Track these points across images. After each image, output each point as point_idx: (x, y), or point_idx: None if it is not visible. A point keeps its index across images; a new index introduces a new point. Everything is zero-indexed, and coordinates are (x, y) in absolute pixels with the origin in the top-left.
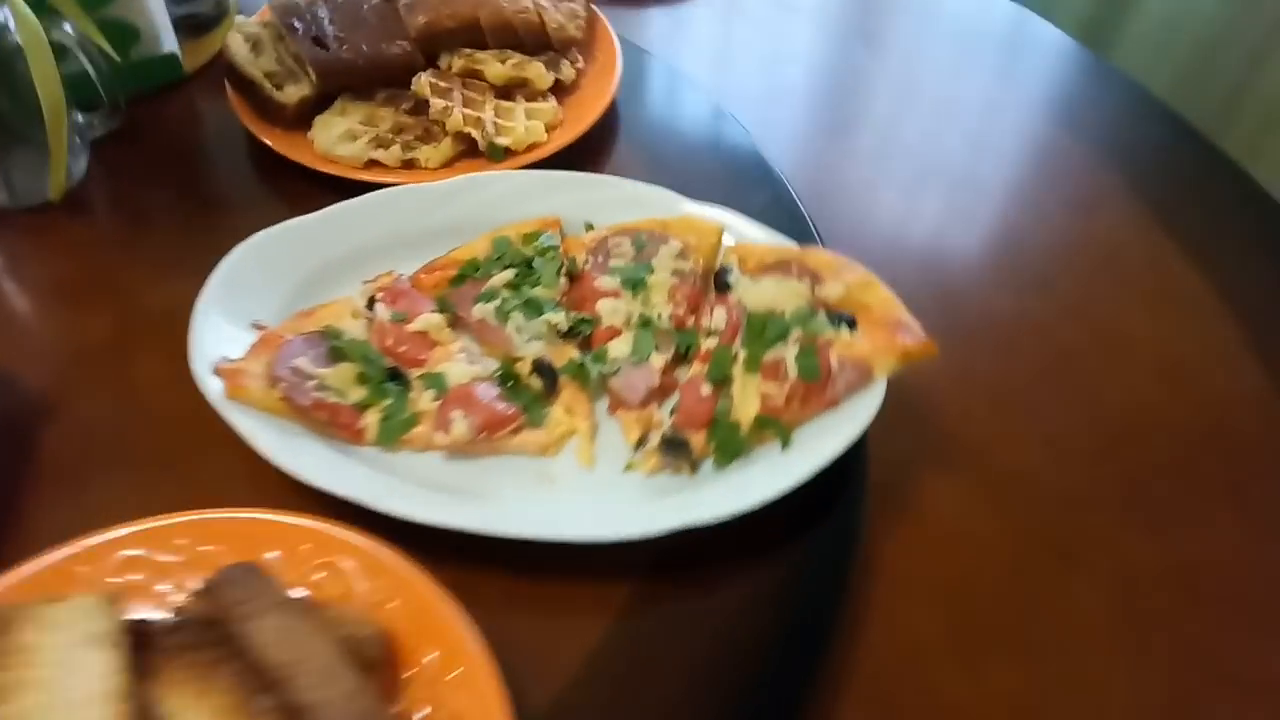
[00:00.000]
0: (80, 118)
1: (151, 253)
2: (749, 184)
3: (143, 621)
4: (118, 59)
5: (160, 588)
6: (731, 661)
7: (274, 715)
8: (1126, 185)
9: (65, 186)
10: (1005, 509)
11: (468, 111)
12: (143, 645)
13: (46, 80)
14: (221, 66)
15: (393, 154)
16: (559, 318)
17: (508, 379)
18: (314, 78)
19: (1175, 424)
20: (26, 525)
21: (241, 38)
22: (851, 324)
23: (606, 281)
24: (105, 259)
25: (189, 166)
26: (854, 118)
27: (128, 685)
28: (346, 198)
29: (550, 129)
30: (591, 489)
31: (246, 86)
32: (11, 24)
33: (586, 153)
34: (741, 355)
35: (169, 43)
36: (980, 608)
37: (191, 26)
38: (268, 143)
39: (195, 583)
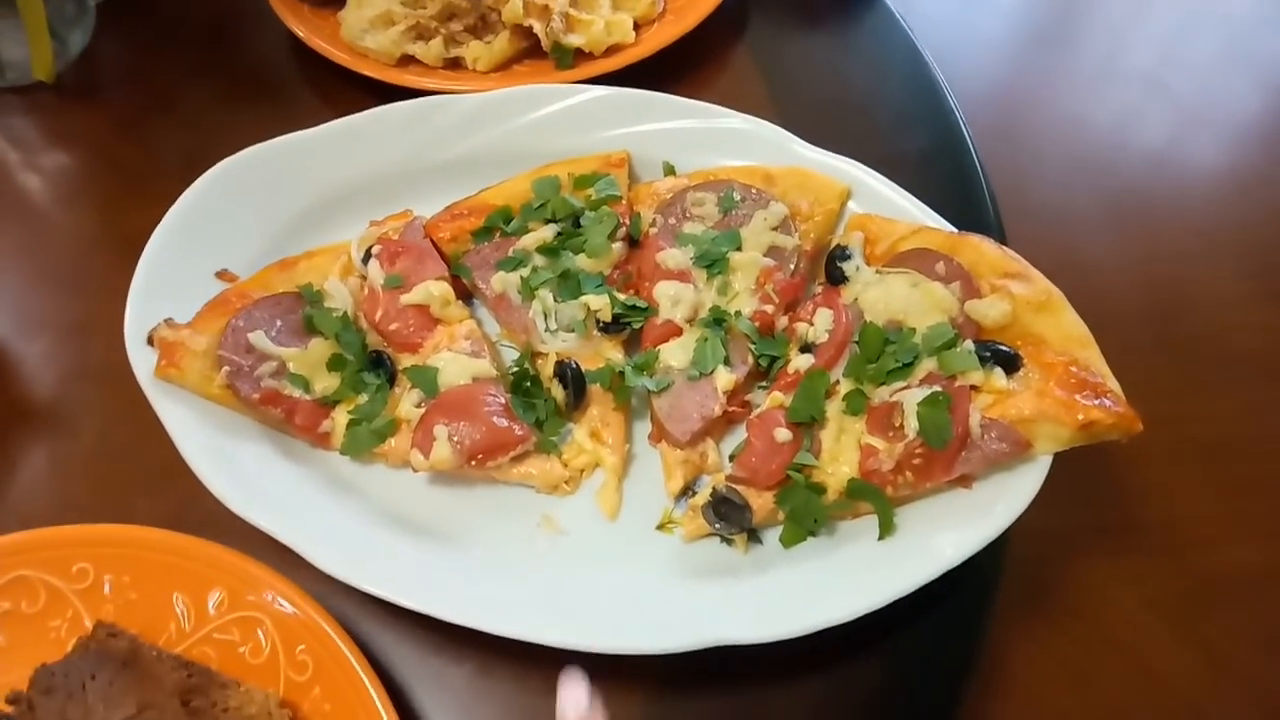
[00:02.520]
0: None
1: (143, 154)
2: (907, 121)
3: None
4: None
5: (52, 623)
6: None
7: None
8: None
9: (56, 65)
10: (1194, 628)
11: None
12: None
13: None
14: None
15: (433, 49)
16: (602, 302)
17: (522, 381)
18: None
19: None
20: None
21: None
22: (1011, 364)
23: (674, 256)
24: (99, 159)
25: (209, 44)
26: (1071, 25)
27: None
28: (383, 101)
29: (642, 26)
30: (609, 553)
31: None
32: None
33: (687, 66)
34: (844, 388)
35: None
36: None
37: None
38: (289, 25)
39: (88, 620)
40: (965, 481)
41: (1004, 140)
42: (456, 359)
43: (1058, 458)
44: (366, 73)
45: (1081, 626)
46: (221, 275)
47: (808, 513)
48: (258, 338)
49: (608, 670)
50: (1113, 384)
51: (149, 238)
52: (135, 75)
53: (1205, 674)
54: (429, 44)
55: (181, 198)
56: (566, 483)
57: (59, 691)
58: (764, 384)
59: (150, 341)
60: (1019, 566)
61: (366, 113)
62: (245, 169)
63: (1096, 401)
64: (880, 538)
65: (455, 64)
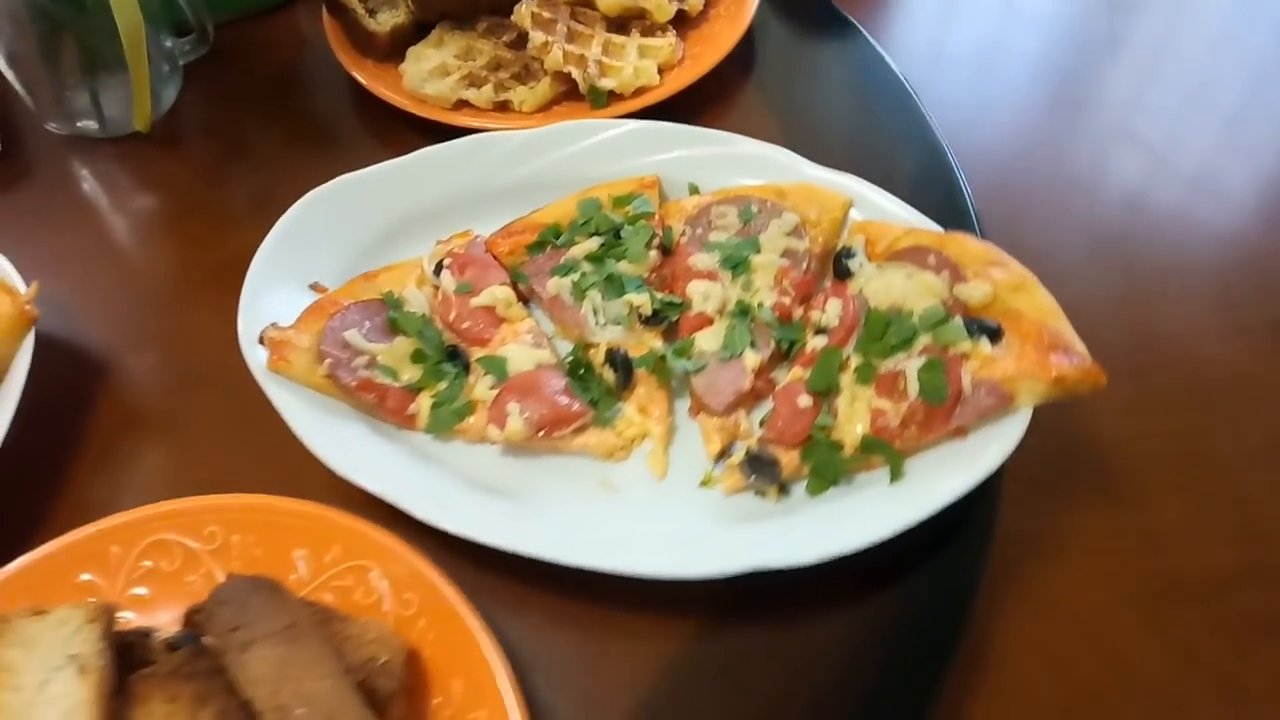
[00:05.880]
0: (169, 42)
1: (231, 193)
2: (896, 142)
3: (139, 632)
4: None
5: (189, 578)
6: (809, 705)
7: None
8: None
9: (152, 117)
10: (1166, 625)
11: (570, 48)
12: (131, 664)
13: (122, 3)
14: None
15: (484, 94)
16: (643, 299)
17: (578, 368)
18: (411, 3)
19: None
20: (67, 496)
21: None
22: (995, 335)
23: (703, 260)
24: (185, 199)
25: (280, 97)
26: (1061, 81)
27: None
28: (437, 141)
29: (665, 70)
30: (659, 505)
31: (342, 12)
32: None
33: (705, 102)
34: (854, 362)
35: None
36: None
37: None
38: (356, 76)
39: (220, 574)
40: (961, 433)
41: (995, 187)
42: (521, 349)
43: (1040, 473)
44: (428, 116)
45: (1060, 620)
46: (314, 287)
47: (829, 466)
48: (352, 335)
49: (655, 604)
50: (1080, 346)
51: (235, 264)
52: (215, 126)
53: (1172, 663)
54: (480, 90)
55: (278, 223)
56: (620, 450)
57: (231, 604)
58: (785, 364)
59: (261, 341)
60: (1003, 565)
61: (433, 148)
62: (331, 198)
63: (1066, 359)
64: (891, 482)
65: (503, 106)
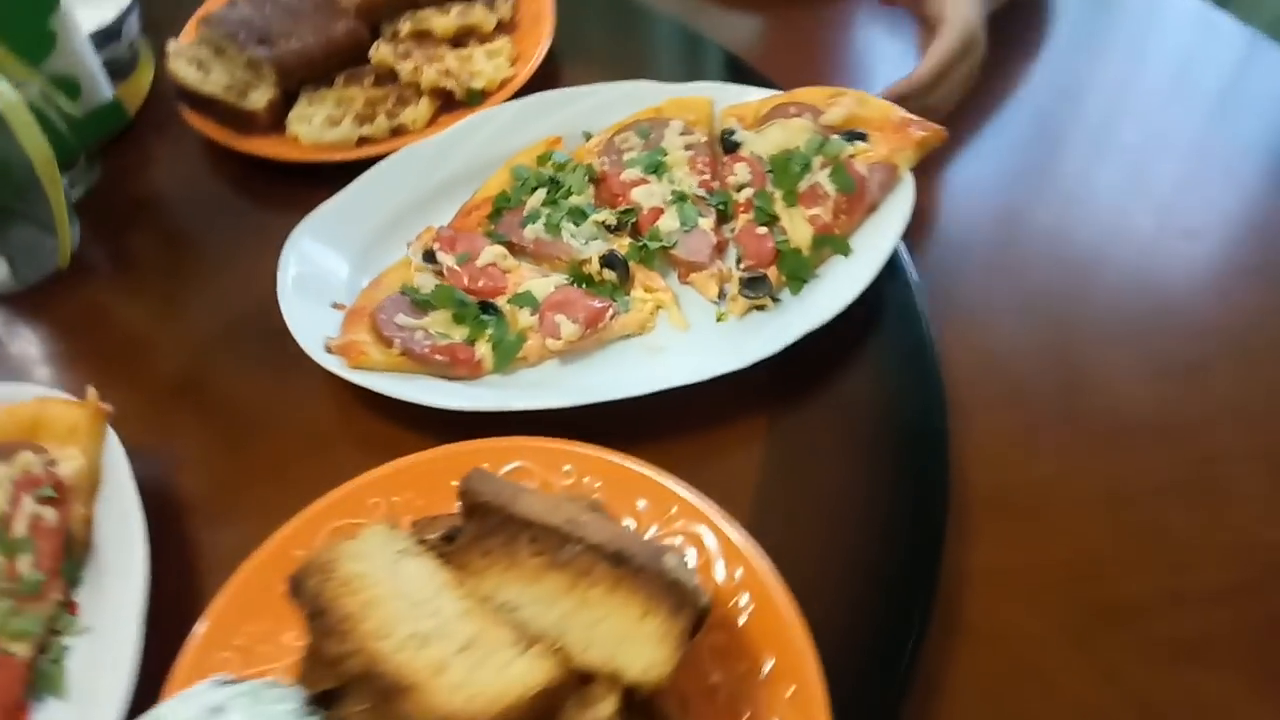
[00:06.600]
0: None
1: (183, 284)
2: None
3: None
4: (76, 112)
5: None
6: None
7: (585, 555)
8: None
9: (72, 248)
10: (1093, 649)
11: (436, 66)
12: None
13: (35, 141)
14: (159, 102)
15: (380, 126)
16: (605, 215)
17: (582, 282)
18: (275, 77)
19: None
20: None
21: (184, 61)
22: (863, 137)
23: (630, 174)
24: (138, 308)
25: (176, 204)
26: (1006, 143)
27: (454, 576)
28: (341, 184)
29: (511, 63)
30: (697, 345)
31: (210, 106)
32: None
33: (549, 78)
34: (778, 194)
35: (106, 90)
36: None
37: (112, 73)
38: (257, 152)
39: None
40: (874, 207)
41: (936, 244)
42: (537, 281)
43: (983, 500)
44: (345, 158)
45: (998, 651)
46: (336, 306)
47: (799, 266)
48: (402, 319)
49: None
50: (921, 120)
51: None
52: (123, 249)
53: (1098, 685)
54: (375, 123)
55: (279, 271)
56: (649, 320)
57: (496, 480)
58: (730, 221)
59: (329, 350)
60: (946, 604)
61: (370, 171)
62: (310, 231)
63: (918, 128)
64: (846, 256)
65: (398, 131)
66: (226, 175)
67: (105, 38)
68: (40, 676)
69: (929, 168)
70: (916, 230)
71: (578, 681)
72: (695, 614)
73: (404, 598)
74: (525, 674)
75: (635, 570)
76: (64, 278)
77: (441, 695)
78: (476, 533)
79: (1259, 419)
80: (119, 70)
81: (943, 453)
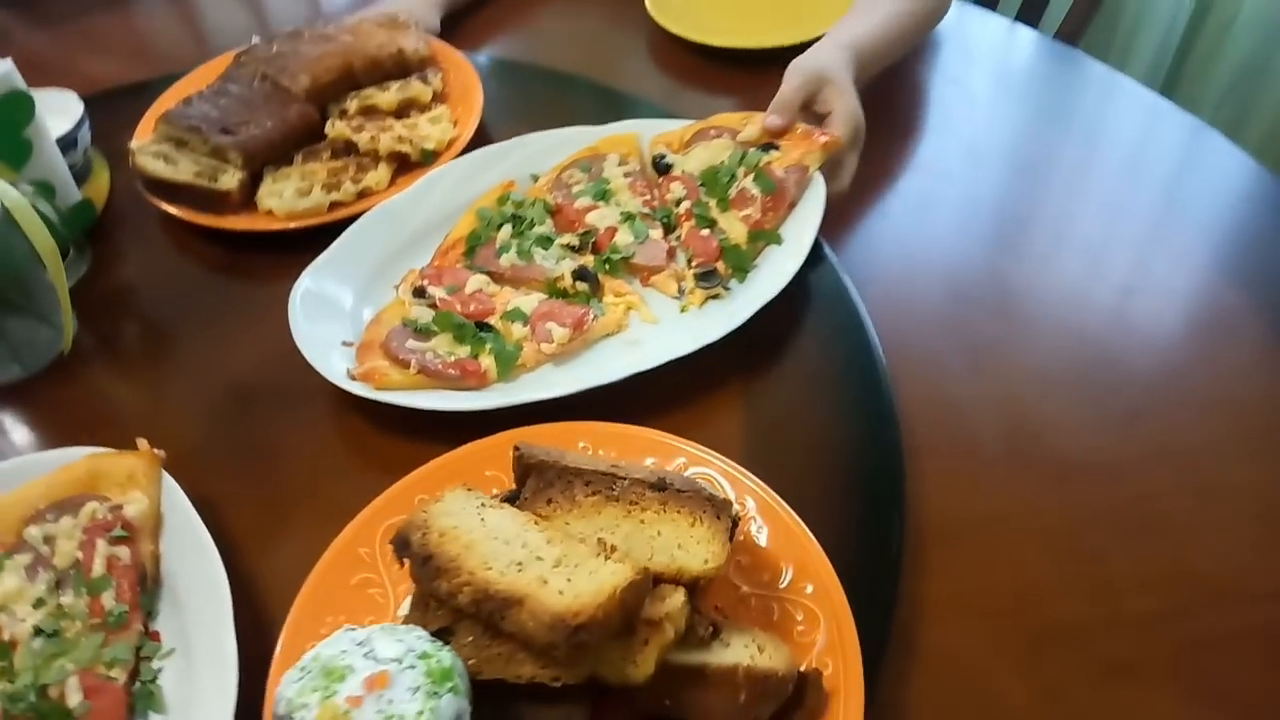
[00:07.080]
0: None
1: (181, 355)
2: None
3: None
4: (53, 215)
5: None
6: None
7: (633, 487)
8: (1253, 309)
9: (74, 331)
10: (1036, 670)
11: (390, 134)
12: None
13: (41, 236)
14: (119, 198)
15: (347, 191)
16: (568, 238)
17: (559, 295)
18: (241, 160)
19: (1268, 595)
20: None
21: (149, 156)
22: (775, 147)
23: (582, 202)
24: (137, 384)
25: (157, 286)
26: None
27: (530, 518)
28: (318, 250)
29: (454, 125)
30: (668, 334)
31: (178, 194)
32: None
33: (487, 137)
34: (712, 203)
35: (74, 192)
36: None
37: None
38: (244, 228)
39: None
40: (794, 204)
41: (887, 304)
42: (521, 298)
43: (934, 533)
44: (320, 221)
45: (948, 673)
46: (346, 343)
47: (741, 258)
48: (411, 343)
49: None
50: (820, 130)
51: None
52: (117, 334)
53: (1040, 704)
54: (342, 189)
55: (290, 318)
56: (623, 319)
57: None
58: (674, 231)
59: (353, 378)
60: (902, 630)
61: (351, 227)
62: (314, 283)
63: (821, 135)
64: (780, 245)
65: (364, 194)
66: (196, 256)
67: (64, 146)
68: (139, 697)
69: (886, 234)
70: (870, 290)
71: (651, 581)
72: (731, 519)
73: (495, 538)
74: (612, 575)
75: (677, 491)
76: (64, 363)
77: (550, 600)
78: (536, 487)
79: (1189, 459)
80: (78, 175)
81: (890, 405)
